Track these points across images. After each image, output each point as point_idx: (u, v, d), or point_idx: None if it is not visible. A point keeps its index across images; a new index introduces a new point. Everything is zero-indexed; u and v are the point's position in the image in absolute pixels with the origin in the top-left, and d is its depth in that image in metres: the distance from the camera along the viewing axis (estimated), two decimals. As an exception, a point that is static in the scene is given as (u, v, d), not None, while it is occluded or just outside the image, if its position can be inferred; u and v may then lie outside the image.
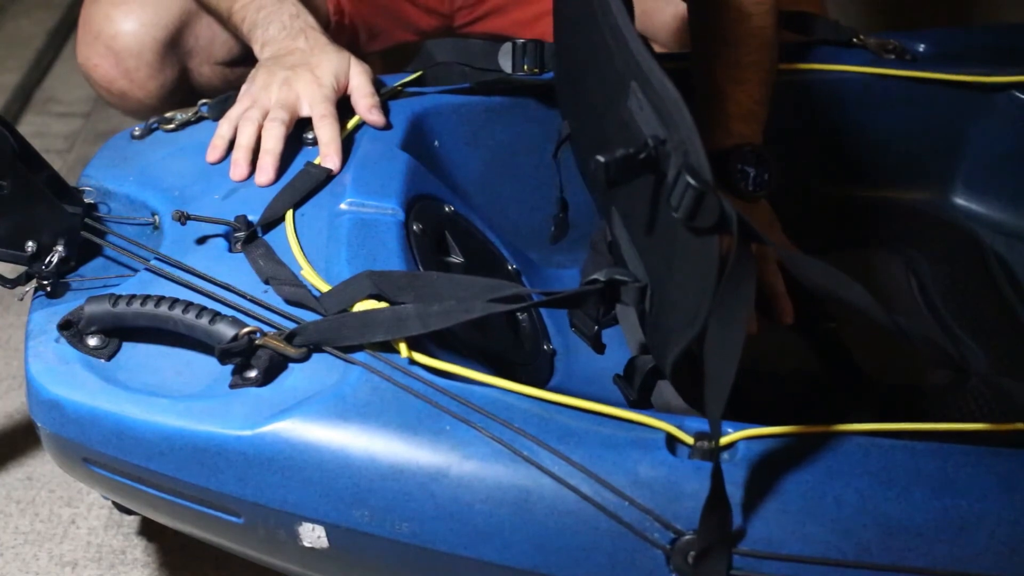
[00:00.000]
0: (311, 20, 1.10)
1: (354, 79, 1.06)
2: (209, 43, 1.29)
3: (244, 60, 1.31)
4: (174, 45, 1.26)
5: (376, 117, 1.05)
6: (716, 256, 0.66)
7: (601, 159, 0.69)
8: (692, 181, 0.65)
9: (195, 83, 1.32)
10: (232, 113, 1.03)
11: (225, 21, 1.17)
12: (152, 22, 1.24)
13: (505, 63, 1.10)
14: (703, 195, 0.65)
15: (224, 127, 1.02)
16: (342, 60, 1.06)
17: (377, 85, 1.08)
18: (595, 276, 0.82)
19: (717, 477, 0.68)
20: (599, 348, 1.00)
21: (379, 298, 0.83)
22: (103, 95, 1.29)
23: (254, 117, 1.00)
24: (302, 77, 1.03)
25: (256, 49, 1.10)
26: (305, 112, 1.02)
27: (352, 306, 0.83)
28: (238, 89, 1.07)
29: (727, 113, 1.08)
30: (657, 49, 1.38)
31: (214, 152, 1.01)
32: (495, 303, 0.80)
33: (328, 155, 0.99)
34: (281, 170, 0.99)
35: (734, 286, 0.65)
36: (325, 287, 0.85)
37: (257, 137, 1.00)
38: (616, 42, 0.78)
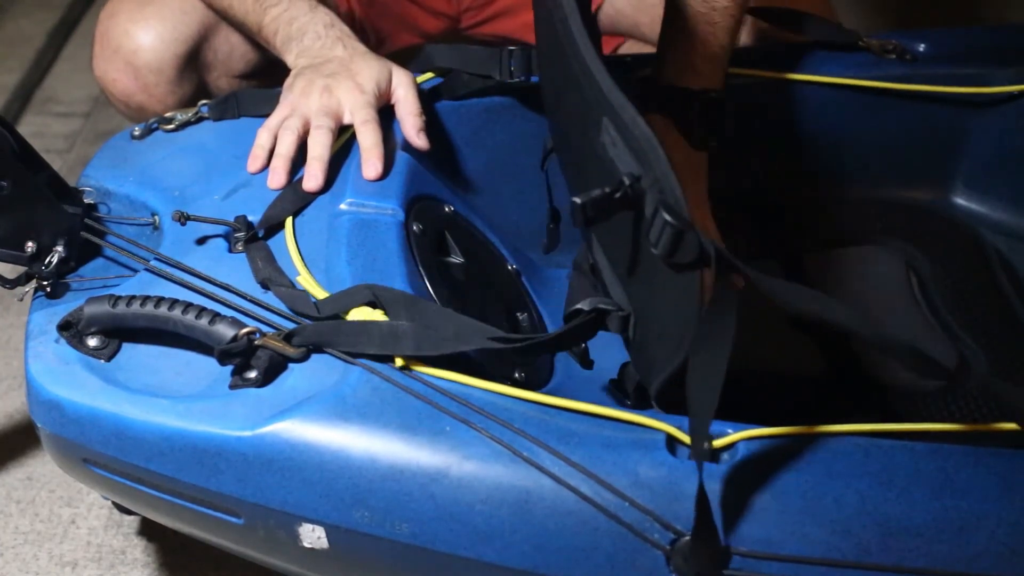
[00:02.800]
0: (346, 29, 1.09)
1: (399, 90, 1.04)
2: (227, 56, 1.29)
3: (263, 72, 1.31)
4: (193, 59, 1.25)
5: (423, 142, 1.02)
6: (696, 291, 0.66)
7: (577, 201, 0.68)
8: (670, 219, 0.65)
9: (213, 96, 1.31)
10: (271, 122, 1.01)
11: (255, 35, 1.16)
12: (172, 37, 1.23)
13: (494, 72, 1.10)
14: (682, 233, 0.64)
15: (263, 136, 1.00)
16: (383, 67, 1.04)
17: (422, 96, 1.06)
18: (580, 306, 0.82)
19: (702, 497, 0.69)
20: (587, 364, 1.00)
21: (375, 306, 0.83)
22: (120, 109, 1.29)
23: (294, 126, 0.99)
24: (343, 84, 1.01)
25: (290, 60, 1.09)
26: (347, 119, 1.01)
27: (348, 311, 0.83)
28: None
29: (695, 51, 1.06)
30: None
31: (255, 162, 0.99)
32: (492, 340, 0.79)
33: (370, 160, 0.98)
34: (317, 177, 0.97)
35: (715, 319, 0.65)
36: (322, 294, 0.85)
37: (296, 146, 0.99)
38: (585, 78, 0.78)
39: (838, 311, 0.70)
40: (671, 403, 0.79)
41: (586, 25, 0.80)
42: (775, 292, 0.69)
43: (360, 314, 0.82)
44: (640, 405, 0.92)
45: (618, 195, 0.69)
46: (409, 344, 0.79)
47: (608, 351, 1.03)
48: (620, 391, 0.94)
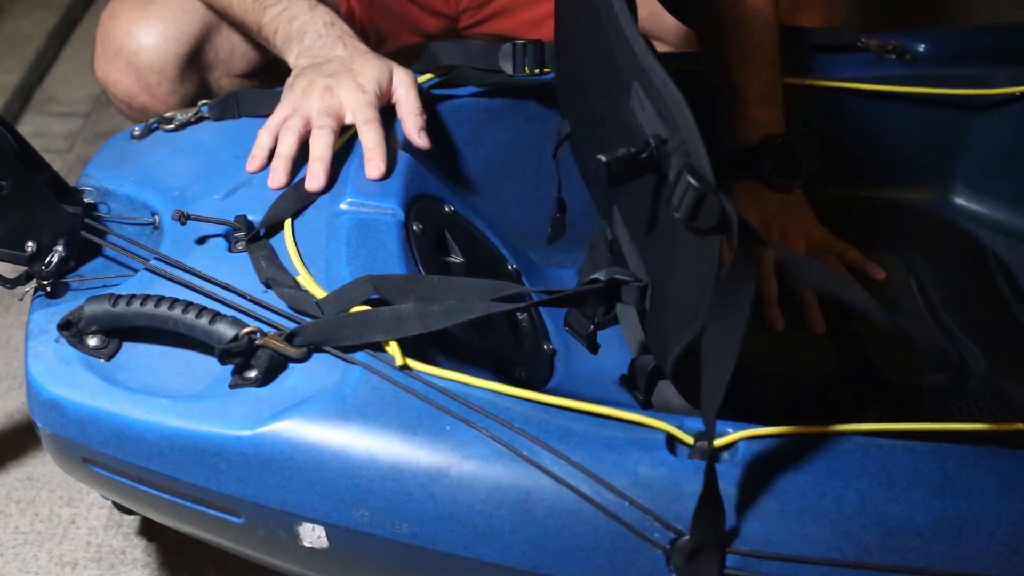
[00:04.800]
0: (347, 28, 1.09)
1: (400, 89, 1.04)
2: (229, 56, 1.29)
3: (264, 71, 1.31)
4: (194, 59, 1.25)
5: (424, 142, 1.02)
6: (716, 257, 0.66)
7: (603, 158, 0.69)
8: (693, 181, 0.65)
9: (214, 95, 1.31)
10: (271, 122, 1.01)
11: (255, 34, 1.16)
12: (173, 37, 1.23)
13: (506, 65, 1.10)
14: (704, 196, 0.65)
15: (264, 137, 1.00)
16: (384, 67, 1.04)
17: (422, 95, 1.06)
18: (595, 276, 0.82)
19: (711, 477, 0.68)
20: (593, 348, 1.00)
21: (379, 303, 0.83)
22: (122, 109, 1.29)
23: (295, 126, 0.99)
24: (344, 84, 1.01)
25: (291, 59, 1.08)
26: (349, 119, 1.01)
27: (351, 309, 0.83)
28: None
29: (745, 101, 1.10)
30: (664, 49, 1.38)
31: (254, 162, 0.99)
32: (496, 303, 0.80)
33: (372, 160, 0.98)
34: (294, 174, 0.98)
35: (733, 288, 0.65)
36: (322, 294, 0.85)
37: (298, 147, 0.99)
38: (618, 42, 0.78)
39: (855, 293, 0.70)
40: (686, 380, 0.79)
41: None
42: (797, 266, 0.69)
43: (362, 310, 0.82)
44: (650, 400, 0.92)
45: (643, 155, 0.69)
46: (415, 324, 0.79)
47: (610, 351, 1.03)
48: (631, 385, 0.94)
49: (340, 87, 1.01)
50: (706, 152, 0.65)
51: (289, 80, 1.05)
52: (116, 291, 0.85)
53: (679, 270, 0.74)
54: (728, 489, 0.72)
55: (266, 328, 0.83)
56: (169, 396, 0.81)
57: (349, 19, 1.36)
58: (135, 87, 1.24)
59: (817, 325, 1.06)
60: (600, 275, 0.82)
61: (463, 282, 0.84)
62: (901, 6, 2.14)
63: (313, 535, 0.78)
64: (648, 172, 0.70)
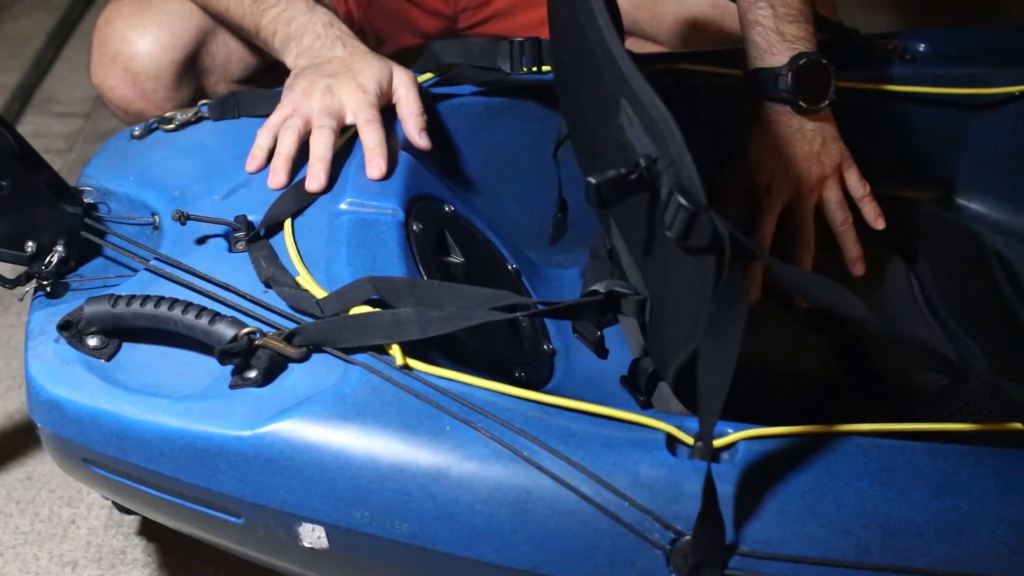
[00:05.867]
0: (345, 28, 1.09)
1: (400, 89, 1.04)
2: (225, 61, 1.29)
3: (260, 77, 1.31)
4: (191, 65, 1.25)
5: (425, 142, 1.02)
6: (711, 275, 0.66)
7: (592, 181, 0.68)
8: (684, 202, 0.64)
9: None
10: (271, 122, 1.01)
11: (253, 37, 1.16)
12: (169, 43, 1.23)
13: (504, 64, 1.10)
14: (695, 215, 0.64)
15: (263, 137, 1.00)
16: (384, 67, 1.04)
17: (422, 95, 1.06)
18: (595, 287, 0.82)
19: (709, 487, 0.68)
20: (602, 353, 1.00)
21: (379, 304, 0.83)
22: (118, 115, 1.29)
23: (295, 126, 0.99)
24: (345, 84, 1.01)
25: (289, 60, 1.08)
26: (350, 119, 1.01)
27: (350, 310, 0.83)
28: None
29: (776, 15, 1.07)
30: (660, 50, 1.38)
31: (254, 162, 0.99)
32: (495, 311, 0.80)
33: (373, 160, 0.98)
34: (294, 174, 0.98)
35: (727, 305, 0.65)
36: (322, 294, 0.85)
37: (298, 146, 0.99)
38: (605, 58, 0.78)
39: (852, 303, 0.70)
40: (687, 390, 0.79)
41: (608, 8, 0.81)
42: (790, 278, 0.69)
43: (363, 311, 0.82)
44: (650, 401, 0.92)
45: (633, 176, 0.69)
46: (414, 329, 0.79)
47: (610, 351, 1.03)
48: (632, 386, 0.94)
49: (341, 87, 1.01)
50: (696, 170, 0.65)
51: (289, 80, 1.05)
52: (116, 291, 0.85)
53: (675, 286, 0.74)
54: (728, 489, 0.72)
55: (266, 328, 0.83)
56: (169, 396, 0.81)
57: (347, 21, 1.36)
58: (131, 93, 1.24)
59: (857, 267, 1.09)
60: (600, 287, 0.82)
61: (464, 289, 0.84)
62: (901, 6, 2.14)
63: (313, 535, 0.78)
64: (639, 192, 0.70)
